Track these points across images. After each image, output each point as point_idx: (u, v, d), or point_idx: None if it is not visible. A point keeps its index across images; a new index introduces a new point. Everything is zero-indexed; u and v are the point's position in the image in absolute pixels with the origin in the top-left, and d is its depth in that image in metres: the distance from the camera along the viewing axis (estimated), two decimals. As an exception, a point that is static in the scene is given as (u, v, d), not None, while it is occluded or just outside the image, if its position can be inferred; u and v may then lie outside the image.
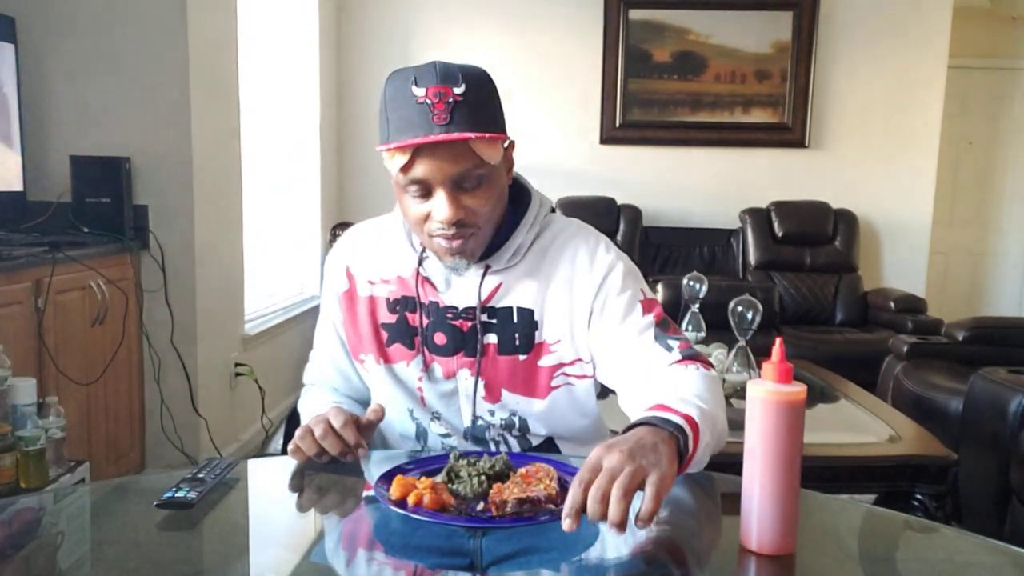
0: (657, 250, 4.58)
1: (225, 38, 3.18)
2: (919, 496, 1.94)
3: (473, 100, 1.05)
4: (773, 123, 4.67)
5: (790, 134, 4.67)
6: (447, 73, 1.05)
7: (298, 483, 1.09)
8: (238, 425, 3.37)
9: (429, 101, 1.04)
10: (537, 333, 1.19)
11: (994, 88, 5.50)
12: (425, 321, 1.20)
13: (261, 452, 3.43)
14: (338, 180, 4.72)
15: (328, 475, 1.09)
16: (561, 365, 1.20)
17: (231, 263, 3.30)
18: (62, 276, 2.41)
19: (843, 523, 1.05)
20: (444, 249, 1.12)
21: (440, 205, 1.08)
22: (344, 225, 4.52)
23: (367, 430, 1.13)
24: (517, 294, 1.19)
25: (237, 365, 3.33)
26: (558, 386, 1.21)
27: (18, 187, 2.69)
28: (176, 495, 0.97)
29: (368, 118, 4.71)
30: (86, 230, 2.73)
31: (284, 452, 1.12)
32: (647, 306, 1.18)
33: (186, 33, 2.85)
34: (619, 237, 4.45)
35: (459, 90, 1.04)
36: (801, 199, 4.63)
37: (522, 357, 1.19)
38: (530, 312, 1.18)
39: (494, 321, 1.18)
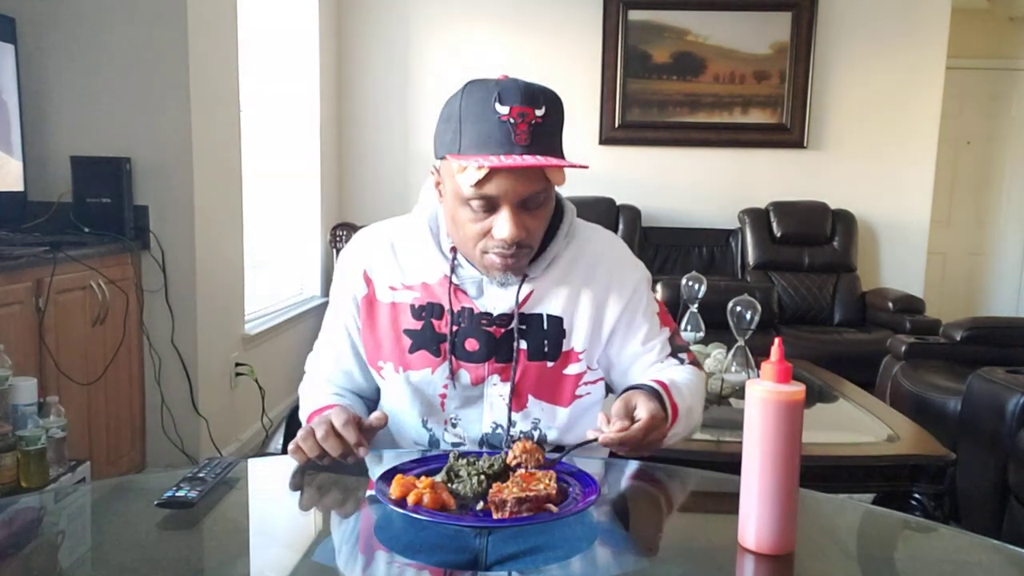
0: (656, 250, 4.58)
1: (225, 38, 3.18)
2: (917, 495, 1.94)
3: (551, 123, 1.09)
4: (772, 123, 4.67)
5: (789, 134, 4.67)
6: (530, 94, 1.08)
7: (298, 482, 1.09)
8: (238, 425, 3.37)
9: (513, 121, 1.06)
10: (565, 341, 1.21)
11: (992, 88, 5.51)
12: (454, 327, 1.20)
13: (261, 452, 3.43)
14: (338, 180, 4.72)
15: (328, 474, 1.09)
16: (584, 374, 1.23)
17: (231, 263, 3.30)
18: (63, 276, 2.41)
19: (842, 522, 1.05)
20: (498, 266, 1.14)
21: (503, 224, 1.09)
22: (344, 226, 4.52)
23: (368, 433, 1.13)
24: (548, 302, 1.21)
25: (237, 365, 3.33)
26: (580, 395, 1.23)
27: (19, 187, 2.69)
28: (176, 494, 0.97)
29: (368, 118, 4.72)
30: (87, 230, 2.73)
31: (284, 452, 1.12)
32: (663, 319, 1.27)
33: (186, 33, 2.86)
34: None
35: (540, 112, 1.07)
36: (799, 199, 4.63)
37: (550, 364, 1.21)
38: (559, 320, 1.21)
39: (524, 327, 1.20)
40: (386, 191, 4.69)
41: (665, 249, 4.61)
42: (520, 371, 1.20)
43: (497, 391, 1.21)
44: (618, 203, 4.56)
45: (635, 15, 4.61)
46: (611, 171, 4.71)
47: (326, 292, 4.02)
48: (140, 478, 2.00)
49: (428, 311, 1.21)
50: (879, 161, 4.69)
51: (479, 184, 1.07)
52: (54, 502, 1.10)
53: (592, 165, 4.89)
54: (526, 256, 1.15)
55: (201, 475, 1.04)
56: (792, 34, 4.58)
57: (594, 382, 1.25)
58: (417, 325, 1.21)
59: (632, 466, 1.19)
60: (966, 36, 5.09)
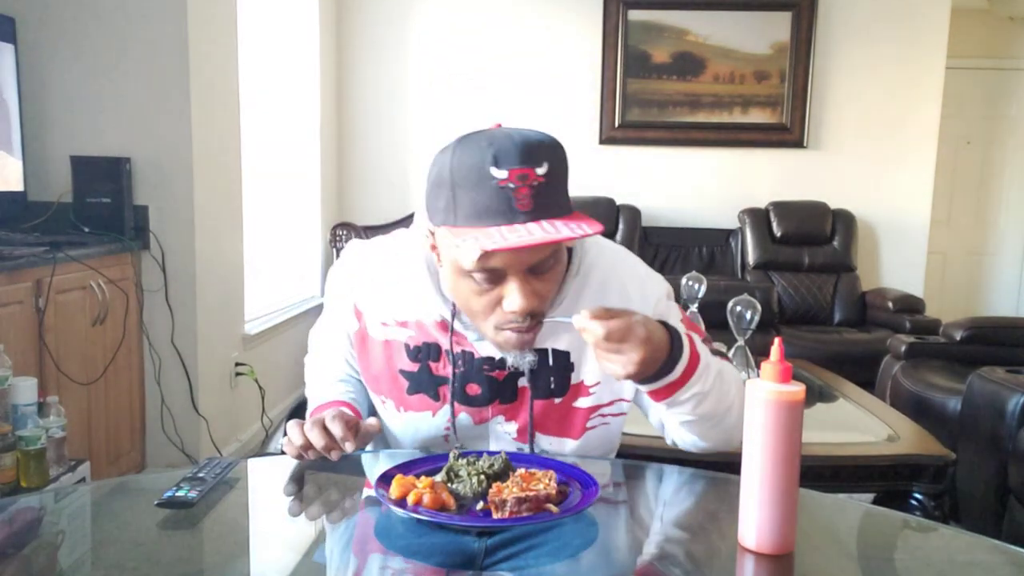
0: (656, 250, 4.58)
1: (225, 38, 3.18)
2: (917, 495, 1.94)
3: (555, 180, 0.99)
4: (771, 123, 4.67)
5: (788, 134, 4.67)
6: (528, 151, 0.97)
7: (298, 483, 1.09)
8: (238, 425, 3.37)
9: (512, 185, 0.95)
10: (573, 375, 1.15)
11: (992, 88, 5.51)
12: (454, 371, 1.14)
13: (261, 452, 3.43)
14: (338, 180, 4.72)
15: (328, 475, 1.09)
16: (599, 407, 1.17)
17: (231, 263, 3.30)
18: (63, 276, 2.41)
19: (841, 522, 1.05)
20: (512, 343, 1.06)
21: (514, 296, 1.00)
22: (344, 226, 4.51)
23: (364, 437, 1.12)
24: (553, 337, 1.14)
25: (237, 365, 3.33)
26: (593, 427, 1.17)
27: (19, 187, 2.69)
28: (176, 494, 0.97)
29: (368, 118, 4.71)
30: (87, 230, 2.73)
31: (284, 451, 1.12)
32: (689, 326, 1.18)
33: (186, 33, 2.86)
34: (618, 237, 4.45)
35: (541, 171, 0.97)
36: (799, 199, 4.63)
37: (557, 400, 1.15)
38: (566, 354, 1.14)
39: None
40: (386, 191, 4.68)
41: (665, 249, 4.61)
42: (522, 410, 1.15)
43: (503, 428, 1.17)
44: (618, 203, 4.56)
45: (635, 15, 4.61)
46: (611, 171, 4.71)
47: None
48: (140, 478, 2.00)
49: (424, 353, 1.15)
50: (879, 161, 4.69)
51: (482, 259, 0.98)
52: (54, 502, 1.09)
53: (592, 165, 4.86)
54: (539, 325, 1.07)
55: (201, 475, 1.04)
56: (792, 34, 4.58)
57: (615, 415, 1.18)
58: (413, 367, 1.16)
59: (633, 466, 1.19)
60: (966, 36, 5.09)
